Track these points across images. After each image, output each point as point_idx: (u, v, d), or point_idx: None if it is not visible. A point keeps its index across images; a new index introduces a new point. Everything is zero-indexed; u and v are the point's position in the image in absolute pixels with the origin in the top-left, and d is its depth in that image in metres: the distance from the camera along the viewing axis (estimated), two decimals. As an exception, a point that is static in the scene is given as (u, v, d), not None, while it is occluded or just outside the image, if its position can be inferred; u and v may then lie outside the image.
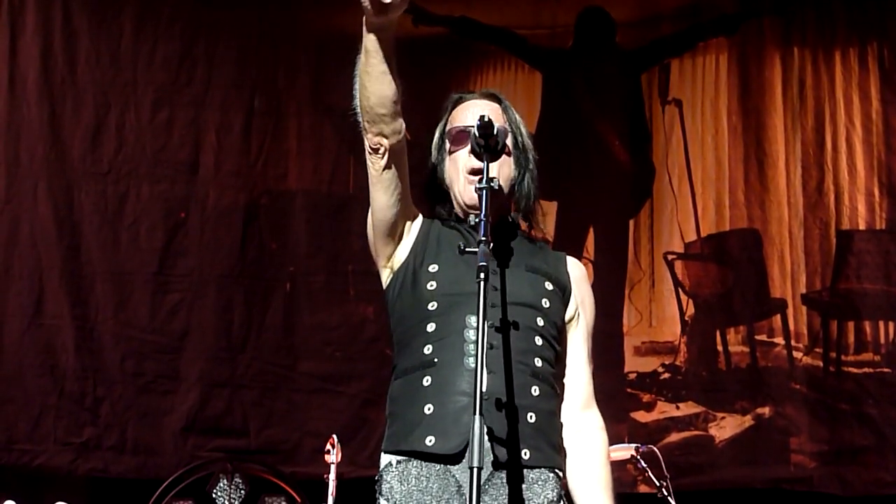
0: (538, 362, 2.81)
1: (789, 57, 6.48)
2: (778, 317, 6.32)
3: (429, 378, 2.77)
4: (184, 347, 6.18)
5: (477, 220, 2.66)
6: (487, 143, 2.74)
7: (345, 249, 6.21)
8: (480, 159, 2.76)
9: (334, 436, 4.94)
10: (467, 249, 2.66)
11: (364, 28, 2.68)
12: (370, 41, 2.70)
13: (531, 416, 2.75)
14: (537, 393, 2.79)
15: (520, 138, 3.01)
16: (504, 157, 2.89)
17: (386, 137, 2.83)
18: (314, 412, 6.18)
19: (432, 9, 6.28)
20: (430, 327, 2.82)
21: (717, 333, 6.37)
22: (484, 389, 2.43)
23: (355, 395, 6.20)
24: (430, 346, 2.80)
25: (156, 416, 6.11)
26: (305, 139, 6.42)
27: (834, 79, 6.44)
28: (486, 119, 2.70)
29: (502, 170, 2.91)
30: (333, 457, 4.91)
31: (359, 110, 2.83)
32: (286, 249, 6.33)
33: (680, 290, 6.39)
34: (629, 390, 6.33)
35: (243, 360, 6.20)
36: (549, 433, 2.82)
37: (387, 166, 2.86)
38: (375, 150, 2.86)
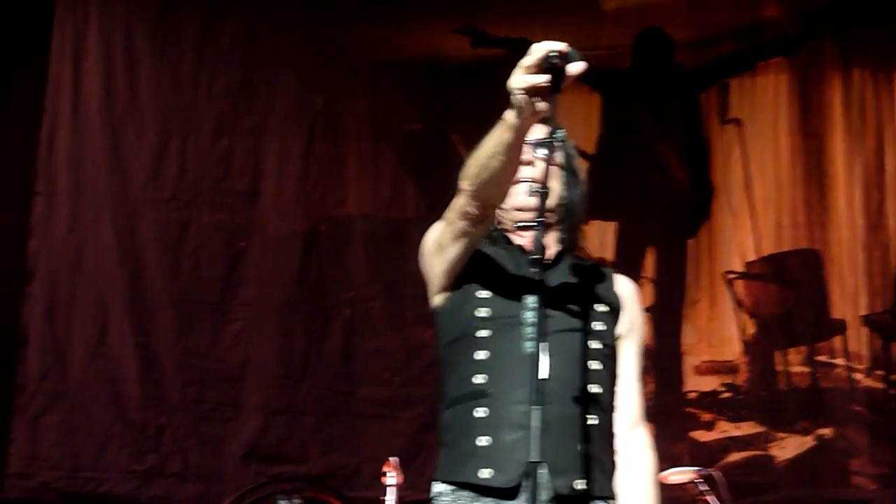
0: (595, 388, 2.77)
1: (849, 78, 6.42)
2: (838, 338, 6.28)
3: (482, 409, 2.73)
4: (244, 375, 6.21)
5: (528, 223, 2.69)
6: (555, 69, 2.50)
7: (402, 274, 6.16)
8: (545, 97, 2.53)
9: (392, 458, 4.98)
10: (520, 273, 2.67)
11: (514, 113, 2.52)
12: (518, 129, 2.56)
13: (589, 447, 2.73)
14: (595, 422, 2.76)
15: (573, 161, 2.98)
16: (554, 172, 2.87)
17: (491, 209, 2.78)
18: (373, 437, 6.19)
19: (491, 30, 6.33)
20: (481, 355, 2.77)
21: (778, 354, 6.34)
22: (539, 420, 2.38)
23: (413, 420, 6.20)
24: (481, 376, 2.76)
25: (217, 443, 6.15)
26: (364, 164, 6.44)
27: (894, 100, 6.38)
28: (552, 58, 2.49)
29: (552, 184, 2.85)
30: (391, 479, 4.94)
31: (470, 181, 2.69)
32: (345, 276, 6.34)
33: (739, 309, 6.37)
34: (689, 410, 6.31)
35: (303, 386, 6.22)
36: (604, 462, 2.79)
37: (480, 232, 2.81)
38: (475, 219, 2.76)
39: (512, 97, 2.49)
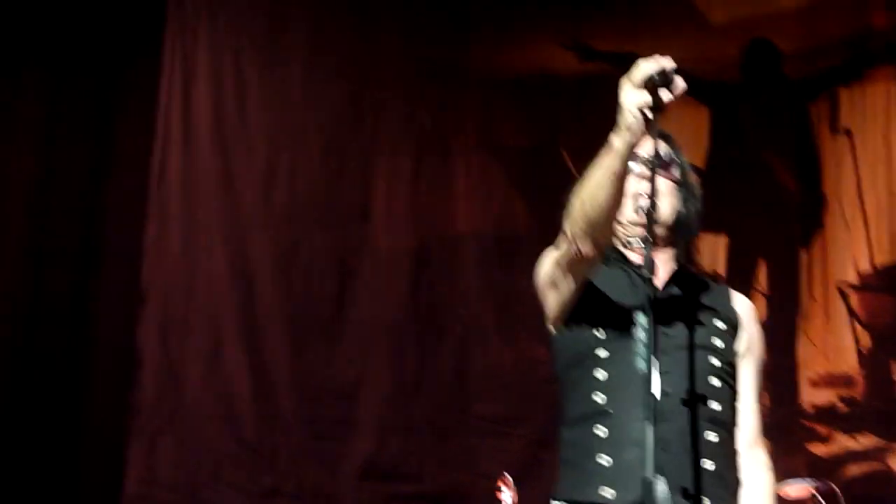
0: (714, 405, 2.75)
1: (961, 84, 6.37)
2: (957, 350, 6.20)
3: (602, 429, 2.73)
4: (358, 393, 6.23)
5: (640, 241, 2.69)
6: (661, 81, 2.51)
7: (514, 291, 6.13)
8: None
9: (505, 473, 4.96)
10: (635, 291, 2.67)
11: (622, 134, 2.54)
12: (625, 152, 2.57)
13: (710, 464, 2.70)
14: (715, 439, 2.74)
15: (686, 174, 2.95)
16: (670, 187, 2.86)
17: (601, 248, 2.75)
18: (488, 454, 6.16)
19: (599, 45, 6.35)
20: (600, 374, 2.77)
21: (894, 365, 6.25)
22: (658, 437, 2.36)
23: (528, 437, 6.17)
24: (601, 395, 2.75)
25: (332, 462, 6.16)
26: (473, 182, 6.46)
27: None
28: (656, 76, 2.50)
29: (667, 199, 2.86)
30: (506, 496, 4.91)
31: (578, 223, 2.68)
32: (456, 293, 6.36)
33: (855, 321, 6.29)
34: (805, 423, 6.23)
35: (417, 404, 6.24)
36: (728, 480, 2.77)
37: (593, 268, 2.80)
38: (583, 259, 2.75)
39: (620, 116, 2.51)
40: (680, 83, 2.51)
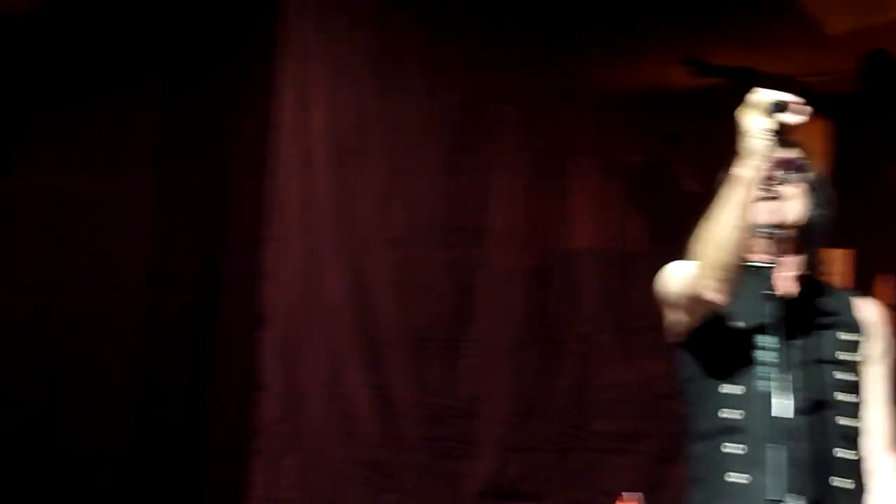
0: (842, 420, 2.76)
1: None
2: None
3: (732, 446, 2.74)
4: (478, 412, 6.26)
5: (765, 265, 2.69)
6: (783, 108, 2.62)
7: (632, 306, 6.15)
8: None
9: (630, 493, 5.02)
10: (762, 302, 2.65)
11: (750, 163, 2.63)
12: (753, 178, 2.66)
13: (843, 481, 2.72)
14: (847, 455, 2.75)
15: (817, 181, 2.94)
16: (799, 193, 2.86)
17: (730, 288, 2.75)
18: (608, 471, 6.19)
19: (715, 59, 6.34)
20: (727, 389, 2.77)
21: None
22: (789, 456, 2.43)
23: (648, 453, 6.18)
24: (728, 411, 2.76)
25: (454, 480, 6.20)
26: (591, 198, 6.50)
27: None
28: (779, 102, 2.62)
29: (796, 205, 2.86)
30: None
31: (709, 266, 2.72)
32: (574, 310, 6.36)
33: None
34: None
35: (537, 422, 6.26)
36: (858, 495, 2.78)
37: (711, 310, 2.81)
38: (707, 301, 2.77)
39: (745, 145, 2.64)
40: (803, 108, 2.64)
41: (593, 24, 6.48)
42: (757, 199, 2.76)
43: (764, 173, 2.71)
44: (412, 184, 6.42)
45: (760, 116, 2.64)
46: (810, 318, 2.86)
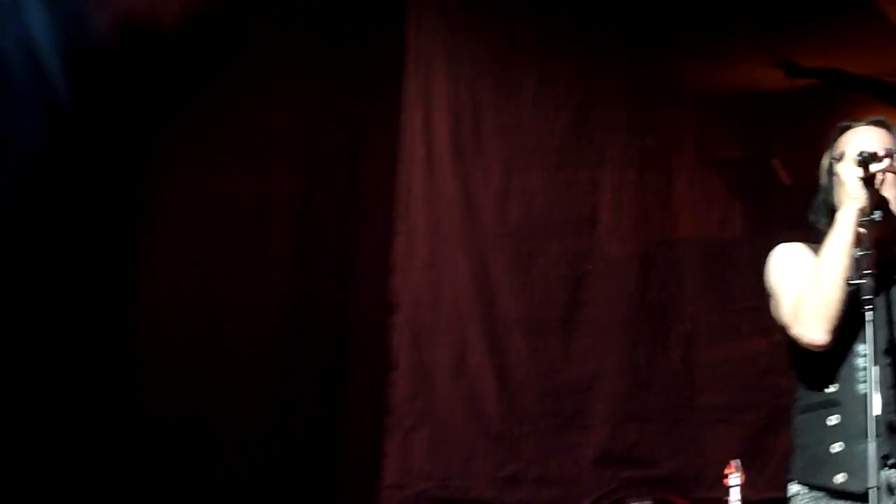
0: None
1: None
2: None
3: (834, 417, 2.96)
4: (594, 387, 6.64)
5: (861, 251, 2.85)
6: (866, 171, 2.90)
7: (735, 290, 6.51)
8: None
9: (735, 460, 5.37)
10: (852, 282, 2.85)
11: (849, 206, 2.92)
12: (854, 220, 2.92)
13: None
14: None
15: None
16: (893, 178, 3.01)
17: (829, 332, 2.96)
18: (714, 441, 6.53)
19: (805, 60, 6.65)
20: (831, 366, 3.00)
21: None
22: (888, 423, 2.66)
23: (751, 424, 6.54)
24: (833, 386, 2.99)
25: (572, 450, 6.58)
26: (694, 191, 6.82)
27: None
28: (865, 154, 2.91)
29: (891, 191, 3.02)
30: (734, 480, 5.31)
31: (816, 317, 2.94)
32: (682, 293, 6.71)
33: None
34: None
35: (649, 396, 6.63)
36: None
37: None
38: (809, 342, 2.99)
39: (844, 192, 2.94)
40: (888, 154, 2.96)
41: (692, 31, 6.85)
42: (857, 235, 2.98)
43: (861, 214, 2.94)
44: (528, 180, 6.80)
45: (853, 167, 2.94)
46: None
